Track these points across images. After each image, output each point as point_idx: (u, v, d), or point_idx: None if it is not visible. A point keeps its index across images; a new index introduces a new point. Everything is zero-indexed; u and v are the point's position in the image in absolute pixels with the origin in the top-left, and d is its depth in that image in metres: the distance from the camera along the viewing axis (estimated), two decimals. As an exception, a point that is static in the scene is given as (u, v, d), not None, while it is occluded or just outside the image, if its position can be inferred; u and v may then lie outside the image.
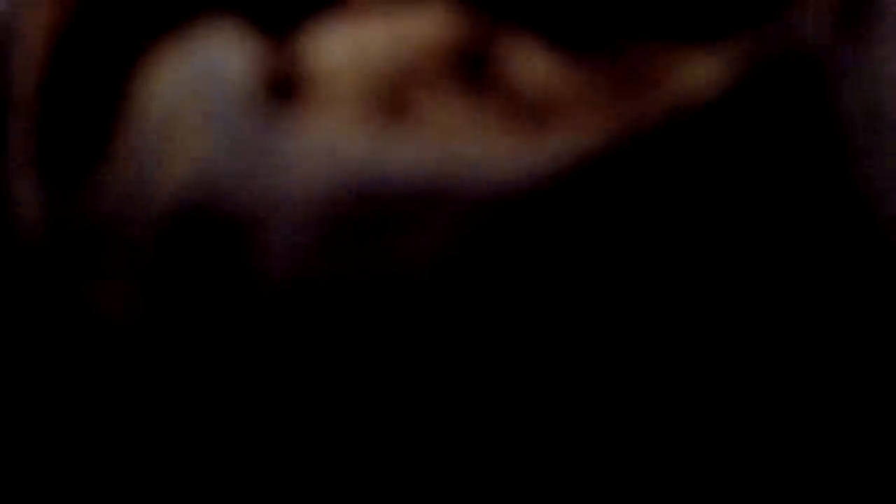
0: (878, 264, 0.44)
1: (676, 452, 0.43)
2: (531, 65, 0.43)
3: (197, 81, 0.44)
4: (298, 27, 0.44)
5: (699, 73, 0.42)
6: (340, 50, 0.44)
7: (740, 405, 0.43)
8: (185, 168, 0.43)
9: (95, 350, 0.45)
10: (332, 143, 0.42)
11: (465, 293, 0.42)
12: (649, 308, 0.42)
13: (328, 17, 0.44)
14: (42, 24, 0.47)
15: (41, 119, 0.46)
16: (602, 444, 0.43)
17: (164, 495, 0.45)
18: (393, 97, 0.43)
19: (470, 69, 0.43)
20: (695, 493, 0.44)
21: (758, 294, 0.43)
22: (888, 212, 0.44)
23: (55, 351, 0.46)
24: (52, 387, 0.46)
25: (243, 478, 0.44)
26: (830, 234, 0.43)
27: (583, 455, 0.43)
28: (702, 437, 0.43)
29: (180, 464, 0.45)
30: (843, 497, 0.44)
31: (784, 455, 0.44)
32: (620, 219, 0.42)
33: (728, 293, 0.43)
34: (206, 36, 0.44)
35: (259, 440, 0.44)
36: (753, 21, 0.44)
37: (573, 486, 0.43)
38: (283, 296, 0.43)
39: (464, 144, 0.42)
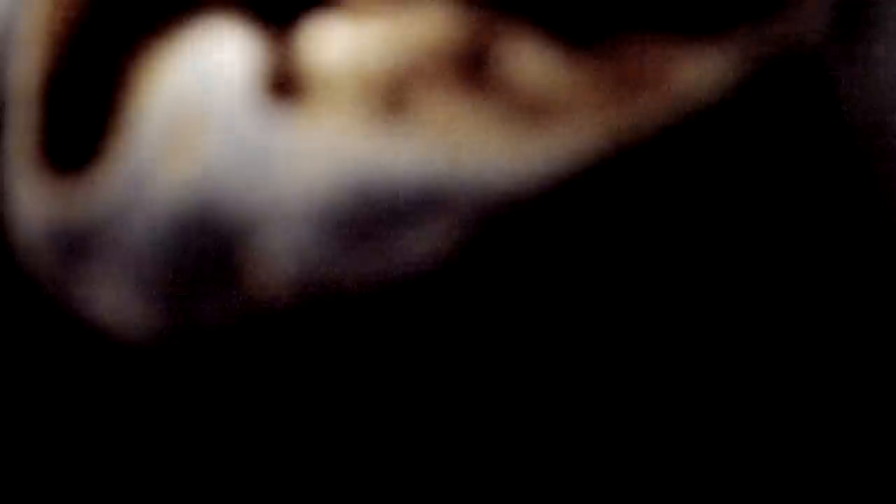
0: (891, 267, 0.44)
1: (676, 454, 0.43)
2: (531, 64, 0.43)
3: (197, 79, 0.44)
4: (298, 25, 0.44)
5: (700, 71, 0.42)
6: (340, 48, 0.44)
7: (744, 407, 0.43)
8: (186, 168, 0.43)
9: (88, 356, 0.45)
10: (333, 142, 0.42)
11: (466, 295, 0.42)
12: (652, 311, 0.42)
13: (328, 14, 0.44)
14: (44, 24, 0.47)
15: (42, 119, 0.46)
16: (602, 447, 0.43)
17: (163, 497, 0.45)
18: (393, 96, 0.43)
19: (470, 68, 0.43)
20: (695, 493, 0.44)
21: (764, 296, 0.43)
22: (894, 210, 0.44)
23: (48, 354, 0.46)
24: (48, 391, 0.46)
25: (243, 481, 0.44)
26: (837, 235, 0.43)
27: (582, 459, 0.43)
28: (702, 438, 0.43)
29: (178, 468, 0.45)
30: (843, 497, 0.44)
31: (784, 455, 0.44)
32: (622, 219, 0.42)
33: (733, 295, 0.43)
34: (206, 33, 0.44)
35: (259, 444, 0.44)
36: (753, 18, 0.43)
37: (573, 488, 0.43)
38: (281, 296, 0.42)
39: (464, 144, 0.42)
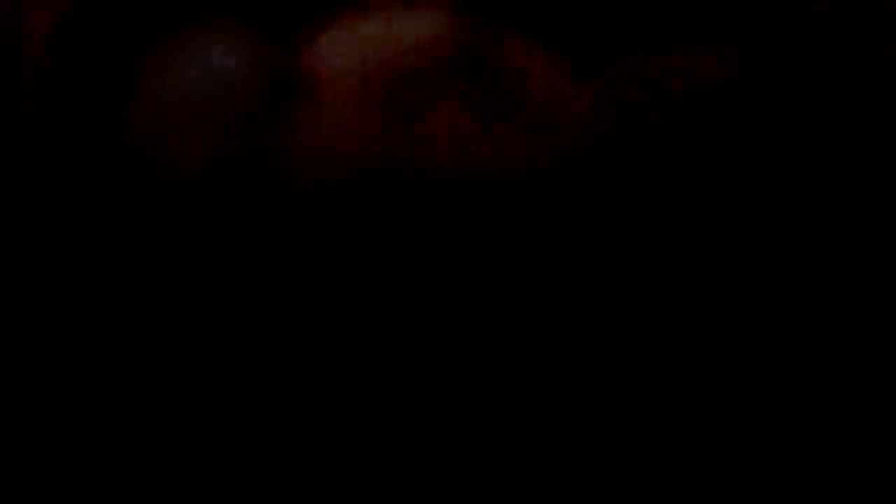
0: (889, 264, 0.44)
1: (676, 448, 0.43)
2: (533, 66, 0.43)
3: (199, 81, 0.44)
4: (300, 27, 0.44)
5: (702, 72, 0.42)
6: (342, 49, 0.44)
7: (739, 405, 0.43)
8: (185, 169, 0.43)
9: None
10: (334, 142, 0.42)
11: (463, 293, 0.42)
12: (653, 308, 0.42)
13: (330, 17, 0.44)
14: (44, 23, 0.47)
15: (43, 117, 0.46)
16: (600, 442, 0.43)
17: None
18: (395, 98, 0.43)
19: (473, 71, 0.43)
20: (694, 492, 0.44)
21: (765, 297, 0.43)
22: None
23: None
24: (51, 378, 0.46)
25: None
26: (840, 236, 0.43)
27: (580, 453, 0.43)
28: (702, 433, 0.43)
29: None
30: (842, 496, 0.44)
31: (783, 452, 0.44)
32: (623, 217, 0.42)
33: (732, 295, 0.43)
34: (211, 36, 0.44)
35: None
36: (757, 18, 0.43)
37: (570, 480, 0.43)
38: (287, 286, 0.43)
39: (465, 145, 0.42)
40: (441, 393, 0.43)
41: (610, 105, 0.42)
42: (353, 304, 0.43)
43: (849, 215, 0.43)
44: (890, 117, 0.44)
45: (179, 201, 0.43)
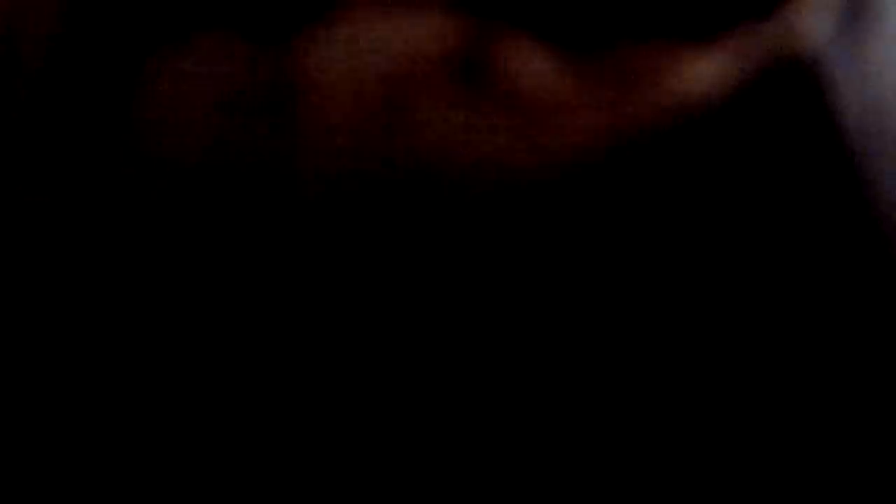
0: (879, 265, 0.44)
1: (676, 452, 0.43)
2: (530, 66, 0.43)
3: (205, 83, 0.44)
4: (296, 31, 0.44)
5: (697, 71, 0.42)
6: (338, 53, 0.44)
7: (740, 405, 0.43)
8: (189, 162, 0.44)
9: None
10: (331, 139, 0.42)
11: (462, 296, 0.42)
12: (649, 309, 0.42)
13: (326, 20, 0.44)
14: (42, 23, 0.47)
15: (42, 113, 0.47)
16: (601, 442, 0.43)
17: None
18: (391, 99, 0.43)
19: (469, 71, 0.43)
20: (695, 492, 0.44)
21: (759, 294, 0.43)
22: (890, 213, 0.44)
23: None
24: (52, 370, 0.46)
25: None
26: (832, 234, 0.43)
27: (581, 453, 0.43)
28: (701, 436, 0.43)
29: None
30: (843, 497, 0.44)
31: (784, 455, 0.44)
32: (619, 219, 0.42)
33: (729, 294, 0.43)
34: (214, 44, 0.44)
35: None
36: (752, 19, 0.43)
37: (570, 484, 0.43)
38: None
39: (461, 145, 0.42)
40: (435, 392, 0.43)
41: (601, 104, 0.42)
42: (349, 292, 0.43)
43: (838, 212, 0.43)
44: (884, 116, 0.44)
45: (183, 194, 0.43)
